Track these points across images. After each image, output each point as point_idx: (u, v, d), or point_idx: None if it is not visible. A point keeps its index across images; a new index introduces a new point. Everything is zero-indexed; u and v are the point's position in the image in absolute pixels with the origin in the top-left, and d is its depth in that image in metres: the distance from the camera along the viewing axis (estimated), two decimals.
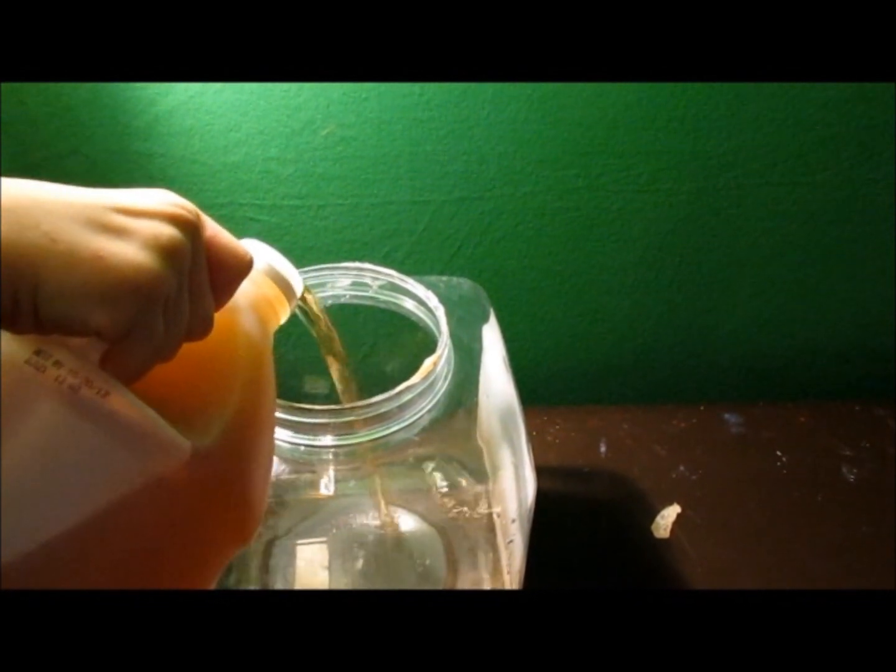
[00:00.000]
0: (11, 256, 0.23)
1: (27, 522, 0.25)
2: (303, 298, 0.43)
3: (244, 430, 0.32)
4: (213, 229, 0.30)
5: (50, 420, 0.25)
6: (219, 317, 0.31)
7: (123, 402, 0.27)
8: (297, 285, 0.39)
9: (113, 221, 0.26)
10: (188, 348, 0.30)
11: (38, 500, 0.25)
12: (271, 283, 0.38)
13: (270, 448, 0.35)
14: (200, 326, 0.29)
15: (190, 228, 0.28)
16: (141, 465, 0.27)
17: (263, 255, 0.38)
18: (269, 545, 0.53)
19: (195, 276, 0.28)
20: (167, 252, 0.26)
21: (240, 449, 0.32)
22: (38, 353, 0.26)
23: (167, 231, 0.26)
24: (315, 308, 0.45)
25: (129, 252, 0.25)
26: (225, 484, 0.31)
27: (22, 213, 0.24)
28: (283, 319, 0.39)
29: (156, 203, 0.27)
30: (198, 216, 0.29)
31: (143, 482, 0.27)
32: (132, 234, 0.26)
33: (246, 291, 0.36)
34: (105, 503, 0.26)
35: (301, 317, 0.44)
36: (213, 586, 0.32)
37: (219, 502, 0.31)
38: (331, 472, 0.46)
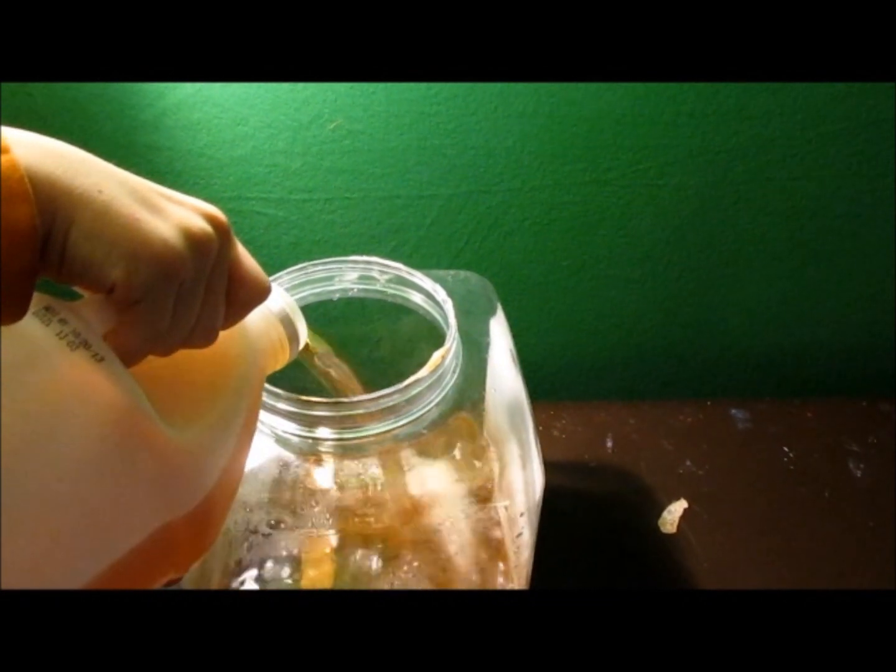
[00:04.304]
0: (57, 192, 0.24)
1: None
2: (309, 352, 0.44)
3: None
4: (243, 251, 0.31)
5: (45, 374, 0.25)
6: (223, 336, 0.31)
7: (114, 371, 0.27)
8: (304, 337, 0.40)
9: (153, 199, 0.27)
10: (184, 357, 0.30)
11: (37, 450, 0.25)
12: (280, 327, 0.38)
13: (238, 479, 0.35)
14: (205, 333, 0.30)
15: (220, 231, 0.29)
16: (120, 436, 0.26)
17: (281, 300, 0.39)
18: (276, 537, 0.53)
19: (214, 279, 0.29)
20: (194, 240, 0.27)
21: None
22: (47, 308, 0.26)
23: (199, 223, 0.28)
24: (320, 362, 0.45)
25: (161, 227, 0.26)
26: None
27: (79, 163, 0.25)
28: (280, 366, 0.40)
29: (195, 201, 0.29)
30: (230, 229, 0.30)
31: (118, 455, 0.26)
32: (168, 215, 0.27)
33: (256, 325, 0.36)
34: (76, 470, 0.25)
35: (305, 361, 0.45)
36: None
37: (181, 529, 0.30)
38: (339, 465, 0.46)
